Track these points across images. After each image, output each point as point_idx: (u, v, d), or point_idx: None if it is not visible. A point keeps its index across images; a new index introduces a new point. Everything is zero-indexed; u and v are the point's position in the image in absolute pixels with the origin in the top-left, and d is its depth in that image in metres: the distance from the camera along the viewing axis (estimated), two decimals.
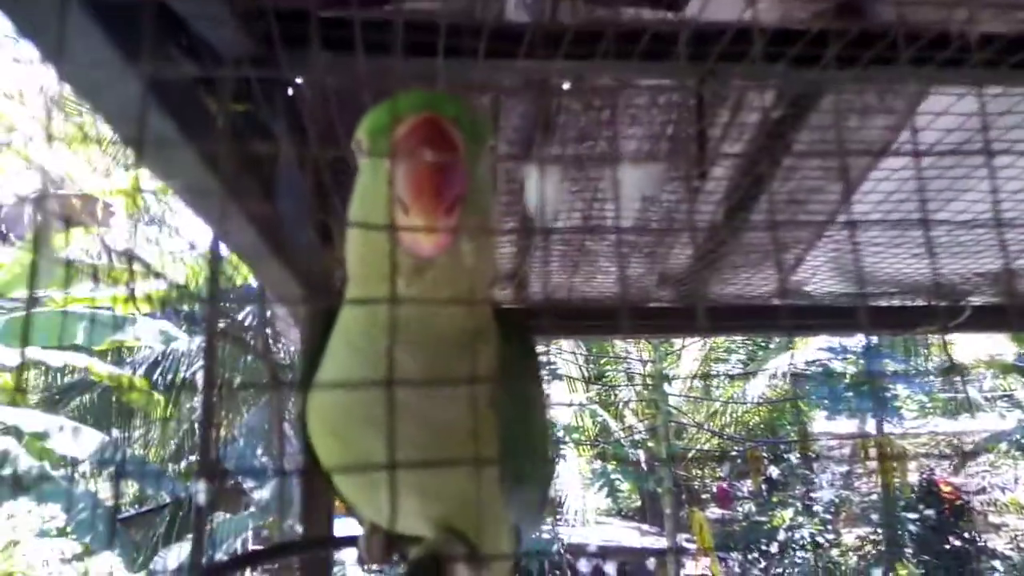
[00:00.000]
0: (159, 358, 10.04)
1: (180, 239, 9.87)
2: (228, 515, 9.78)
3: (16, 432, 7.06)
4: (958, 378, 11.79)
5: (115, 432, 9.78)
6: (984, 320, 2.57)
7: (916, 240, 2.21)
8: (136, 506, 10.81)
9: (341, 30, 1.21)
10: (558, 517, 11.65)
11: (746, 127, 2.06)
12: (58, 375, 10.29)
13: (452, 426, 0.75)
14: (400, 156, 0.66)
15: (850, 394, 12.25)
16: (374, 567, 0.94)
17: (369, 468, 0.75)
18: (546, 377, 11.67)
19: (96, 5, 0.77)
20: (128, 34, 0.80)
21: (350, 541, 0.96)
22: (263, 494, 9.56)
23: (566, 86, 1.88)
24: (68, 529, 6.98)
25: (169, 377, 9.87)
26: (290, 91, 1.61)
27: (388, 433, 0.52)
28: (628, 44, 1.32)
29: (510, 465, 0.85)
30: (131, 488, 10.45)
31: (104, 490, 9.89)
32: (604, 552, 11.67)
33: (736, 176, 2.23)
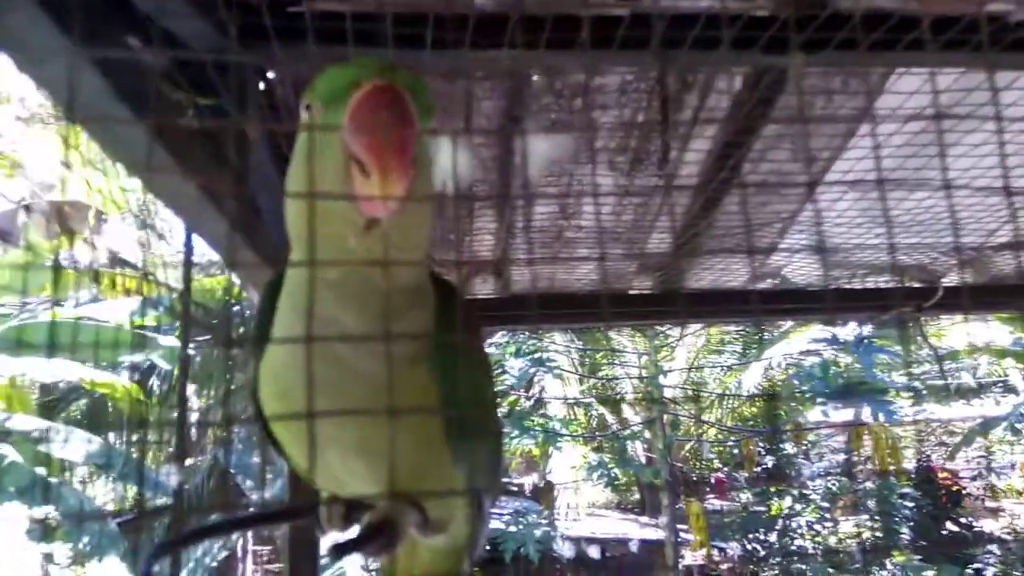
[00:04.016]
0: (153, 365, 10.01)
1: (170, 244, 9.88)
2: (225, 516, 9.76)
3: (13, 436, 7.08)
4: (941, 364, 11.83)
5: (111, 436, 9.78)
6: (956, 301, 2.61)
7: (888, 213, 2.24)
8: (134, 510, 10.79)
9: (302, 21, 1.25)
10: (554, 509, 11.71)
11: (715, 112, 2.09)
12: (54, 383, 10.26)
13: (391, 383, 0.78)
14: (360, 119, 0.70)
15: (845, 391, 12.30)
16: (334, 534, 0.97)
17: (296, 416, 0.78)
18: (542, 371, 11.70)
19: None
20: (80, 21, 0.83)
21: (309, 511, 0.99)
22: (261, 495, 9.55)
23: (535, 76, 1.92)
24: (65, 533, 7.01)
25: (164, 386, 9.85)
26: (261, 84, 1.65)
27: (307, 380, 0.55)
28: (591, 33, 1.35)
29: (453, 419, 0.88)
30: (129, 491, 10.44)
31: (102, 494, 9.91)
32: (589, 539, 11.73)
33: (708, 160, 2.26)
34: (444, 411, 0.86)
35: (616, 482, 13.35)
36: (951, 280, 2.71)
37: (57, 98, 1.00)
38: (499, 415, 1.18)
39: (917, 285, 2.69)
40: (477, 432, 0.97)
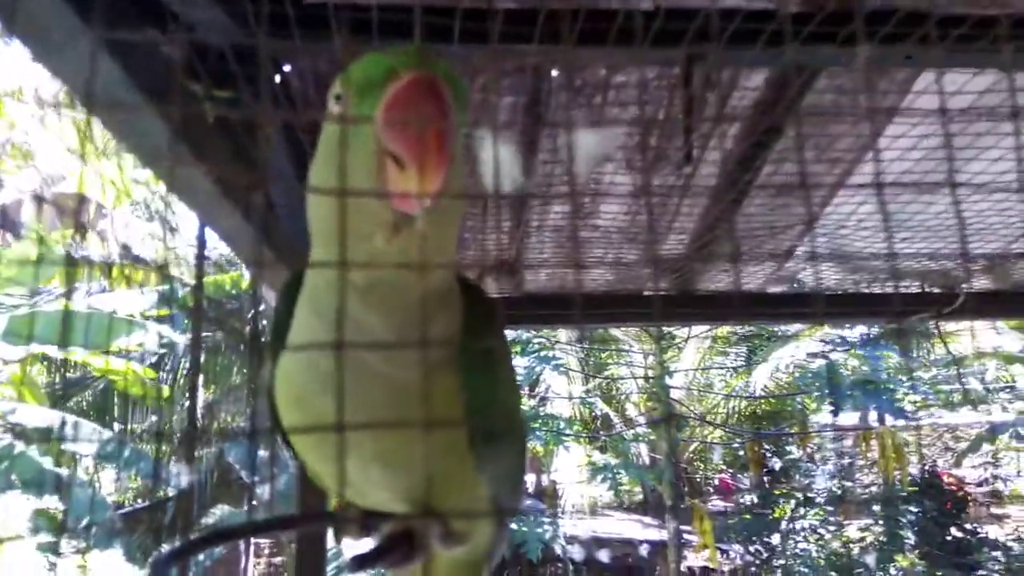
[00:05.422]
0: (159, 358, 10.01)
1: (181, 236, 9.89)
2: (230, 509, 9.78)
3: (21, 428, 7.08)
4: (959, 370, 11.76)
5: (117, 427, 9.79)
6: (978, 307, 2.56)
7: (912, 220, 2.20)
8: (139, 501, 10.82)
9: (324, 11, 1.21)
10: (558, 509, 11.69)
11: (738, 110, 2.05)
12: (61, 371, 10.26)
13: (416, 390, 0.75)
14: (398, 111, 0.66)
15: (853, 391, 12.25)
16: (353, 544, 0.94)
17: (321, 429, 0.75)
18: (547, 369, 11.66)
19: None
20: (100, 7, 0.80)
21: (321, 518, 0.95)
22: (267, 489, 9.53)
23: (555, 72, 1.88)
24: (68, 524, 7.01)
25: (169, 376, 9.85)
26: (278, 77, 1.61)
27: (337, 393, 0.51)
28: (617, 29, 1.32)
29: (478, 427, 0.85)
30: (134, 483, 10.46)
31: (107, 485, 9.92)
32: (598, 541, 11.68)
33: (729, 161, 2.22)
34: (471, 418, 0.82)
35: (620, 483, 13.31)
36: (971, 286, 2.66)
37: (73, 87, 0.97)
38: (523, 421, 1.14)
39: (937, 291, 2.64)
40: (502, 439, 0.93)
